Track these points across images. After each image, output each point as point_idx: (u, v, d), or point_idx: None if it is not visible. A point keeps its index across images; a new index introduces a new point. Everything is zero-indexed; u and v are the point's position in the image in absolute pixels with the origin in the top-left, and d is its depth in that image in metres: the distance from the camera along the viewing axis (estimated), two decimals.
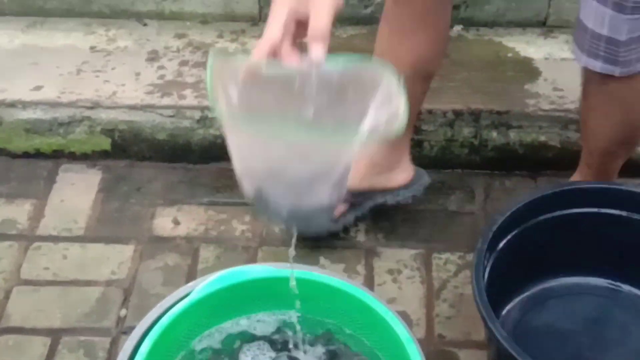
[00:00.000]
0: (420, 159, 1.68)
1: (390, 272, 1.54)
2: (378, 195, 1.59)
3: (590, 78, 1.32)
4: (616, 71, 1.25)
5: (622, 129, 1.37)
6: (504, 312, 1.37)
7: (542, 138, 1.67)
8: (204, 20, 1.91)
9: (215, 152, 1.72)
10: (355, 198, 1.57)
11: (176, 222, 1.63)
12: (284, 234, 1.60)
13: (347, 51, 1.76)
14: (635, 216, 1.32)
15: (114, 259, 1.56)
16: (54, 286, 1.52)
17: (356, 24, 1.86)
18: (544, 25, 1.87)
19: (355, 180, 1.53)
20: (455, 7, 1.83)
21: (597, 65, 1.26)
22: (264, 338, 1.21)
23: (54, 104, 1.73)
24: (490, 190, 1.68)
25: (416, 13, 1.35)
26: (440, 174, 1.69)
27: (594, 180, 1.44)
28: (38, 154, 1.74)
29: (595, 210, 1.33)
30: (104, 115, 1.72)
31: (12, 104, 1.74)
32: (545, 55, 1.82)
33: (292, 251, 1.06)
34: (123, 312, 1.48)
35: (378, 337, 1.14)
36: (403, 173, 1.58)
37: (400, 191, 1.59)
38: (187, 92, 1.75)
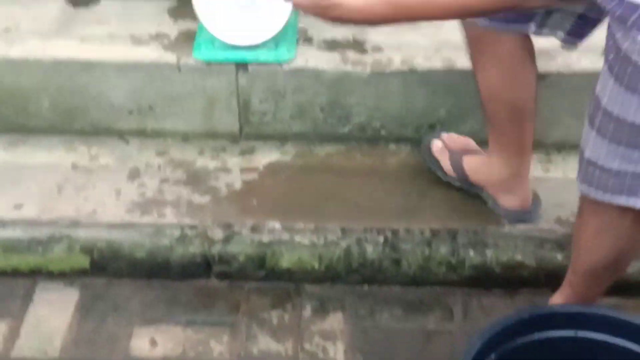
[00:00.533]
0: (398, 277, 1.70)
1: None
2: (486, 194, 1.74)
3: (585, 197, 1.31)
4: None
5: (612, 252, 1.36)
6: None
7: (518, 257, 1.69)
8: (185, 137, 1.94)
9: (194, 269, 1.72)
10: (466, 182, 1.75)
11: (153, 343, 1.62)
12: (262, 353, 1.59)
13: (325, 170, 1.81)
14: (612, 340, 1.32)
15: None
16: None
17: (335, 142, 1.89)
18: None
19: (472, 171, 1.72)
20: (431, 126, 1.88)
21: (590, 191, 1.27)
22: None
23: (33, 223, 1.74)
24: (468, 308, 1.68)
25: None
26: (419, 292, 1.69)
27: (575, 302, 1.45)
28: (15, 272, 1.73)
29: (572, 333, 1.34)
30: (83, 233, 1.73)
31: None
32: None
33: None
34: None
35: None
36: (515, 199, 1.69)
37: (503, 209, 1.71)
38: (167, 210, 1.77)
